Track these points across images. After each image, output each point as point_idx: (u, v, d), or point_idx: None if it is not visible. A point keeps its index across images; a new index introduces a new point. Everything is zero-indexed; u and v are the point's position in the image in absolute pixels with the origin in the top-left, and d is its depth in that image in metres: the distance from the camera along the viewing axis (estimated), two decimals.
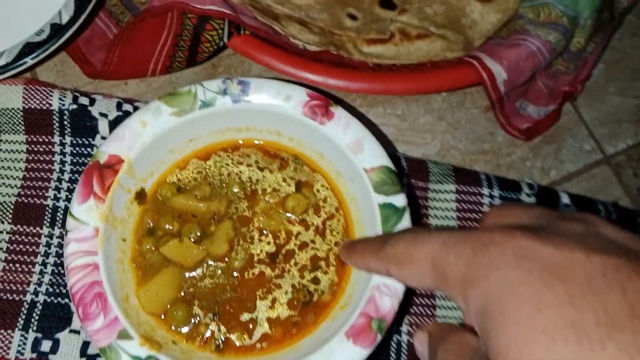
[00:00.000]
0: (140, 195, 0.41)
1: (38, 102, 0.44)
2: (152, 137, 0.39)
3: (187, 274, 0.40)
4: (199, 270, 0.40)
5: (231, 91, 0.40)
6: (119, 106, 0.45)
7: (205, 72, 0.50)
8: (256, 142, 0.43)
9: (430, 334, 0.31)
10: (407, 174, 0.46)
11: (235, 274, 0.40)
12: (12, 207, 0.43)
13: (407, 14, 0.49)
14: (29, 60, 0.41)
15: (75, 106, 0.44)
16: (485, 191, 0.46)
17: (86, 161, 0.45)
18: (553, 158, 0.51)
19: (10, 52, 0.40)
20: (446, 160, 0.49)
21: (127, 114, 0.45)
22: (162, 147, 0.41)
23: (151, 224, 0.41)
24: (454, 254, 0.27)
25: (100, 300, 0.36)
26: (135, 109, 0.45)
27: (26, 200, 0.44)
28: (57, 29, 0.41)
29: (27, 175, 0.44)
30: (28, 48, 0.41)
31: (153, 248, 0.40)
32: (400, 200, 0.39)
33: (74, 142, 0.45)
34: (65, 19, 0.41)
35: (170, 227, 0.40)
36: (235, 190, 0.42)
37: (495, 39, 0.48)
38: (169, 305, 0.39)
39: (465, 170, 0.47)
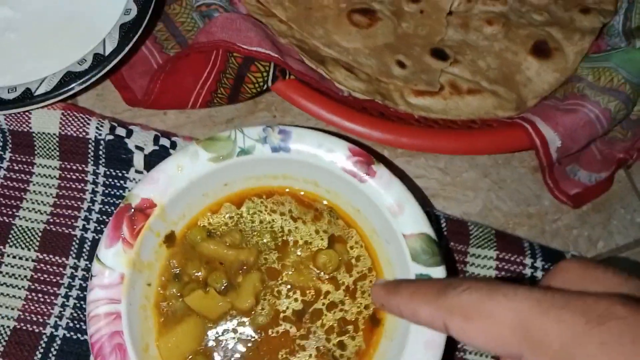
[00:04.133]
0: (170, 239, 0.39)
1: (75, 129, 0.44)
2: (187, 182, 0.38)
3: (209, 325, 0.38)
4: (222, 323, 0.38)
5: (271, 140, 0.39)
6: (156, 140, 0.44)
7: (245, 106, 0.49)
8: (291, 189, 0.42)
9: None
10: (447, 234, 0.44)
11: (259, 330, 0.38)
12: (40, 234, 0.43)
13: (459, 66, 0.46)
14: (69, 91, 0.40)
15: (112, 137, 0.44)
16: (528, 261, 0.44)
17: (118, 193, 0.44)
18: (601, 228, 0.48)
19: (50, 80, 0.40)
20: (488, 221, 0.47)
21: (163, 148, 0.44)
22: (196, 191, 0.39)
23: (178, 269, 0.39)
24: (555, 318, 0.23)
25: (119, 352, 0.34)
26: (173, 144, 0.44)
27: (54, 229, 0.43)
28: (99, 60, 0.40)
29: (58, 202, 0.44)
30: (69, 77, 0.40)
31: (178, 294, 0.39)
32: (439, 272, 0.37)
33: (108, 173, 0.44)
34: (108, 49, 0.41)
35: (197, 274, 0.39)
36: (266, 239, 0.41)
37: (550, 99, 0.46)
38: (189, 357, 0.37)
39: (508, 236, 0.45)
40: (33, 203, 0.43)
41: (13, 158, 0.44)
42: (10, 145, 0.44)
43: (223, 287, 0.39)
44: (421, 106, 0.45)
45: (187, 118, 0.49)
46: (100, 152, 0.44)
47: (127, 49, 0.41)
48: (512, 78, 0.46)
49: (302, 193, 0.42)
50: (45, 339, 0.41)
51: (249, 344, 0.38)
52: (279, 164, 0.40)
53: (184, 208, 0.40)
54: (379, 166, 0.39)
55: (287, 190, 0.42)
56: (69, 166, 0.44)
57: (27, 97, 0.39)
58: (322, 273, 0.40)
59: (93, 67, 0.40)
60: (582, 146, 0.44)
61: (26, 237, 0.43)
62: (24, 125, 0.44)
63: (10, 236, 0.43)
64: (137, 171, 0.44)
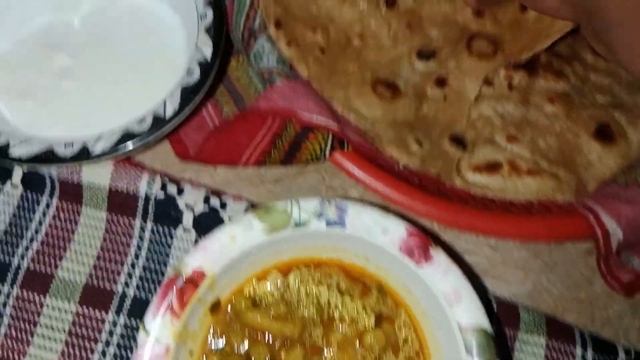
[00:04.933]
0: (215, 306, 0.38)
1: (125, 183, 0.43)
2: (239, 252, 0.37)
3: None
4: None
5: (327, 215, 0.38)
6: (206, 200, 0.43)
7: (294, 167, 0.48)
8: (340, 262, 0.41)
9: None
10: (497, 318, 0.43)
11: None
12: (81, 287, 0.42)
13: (518, 144, 0.45)
14: (126, 151, 0.39)
15: (162, 195, 0.43)
16: (579, 351, 0.42)
17: (163, 250, 0.43)
18: None
19: (108, 139, 0.39)
20: (537, 304, 0.45)
21: (213, 211, 0.43)
22: (247, 261, 0.39)
23: (221, 338, 0.38)
24: None
25: None
26: (223, 204, 0.44)
27: (96, 283, 0.42)
28: (159, 121, 0.40)
29: (101, 255, 0.43)
30: (127, 137, 0.39)
31: None
32: None
33: (155, 228, 0.43)
34: (169, 112, 0.40)
35: (239, 346, 0.38)
36: (312, 312, 0.40)
37: (611, 185, 0.45)
38: None
39: (559, 323, 0.43)
40: (76, 254, 0.43)
41: (60, 205, 0.44)
42: (58, 192, 0.44)
43: None
44: (479, 184, 0.44)
45: (236, 175, 0.48)
46: (150, 209, 0.43)
47: (188, 110, 0.40)
48: (573, 160, 0.45)
49: (349, 264, 0.41)
50: None
51: None
52: (332, 238, 0.39)
53: (232, 276, 0.39)
54: (436, 250, 0.37)
55: (337, 262, 0.41)
56: (115, 218, 0.43)
57: (83, 155, 0.39)
58: (368, 353, 0.39)
59: (152, 129, 0.39)
60: None
61: (68, 289, 0.42)
62: (74, 176, 0.43)
63: (52, 287, 0.42)
64: (185, 229, 0.43)
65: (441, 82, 0.47)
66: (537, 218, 0.42)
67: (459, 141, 0.45)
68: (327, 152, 0.42)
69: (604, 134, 0.45)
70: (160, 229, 0.43)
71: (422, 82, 0.47)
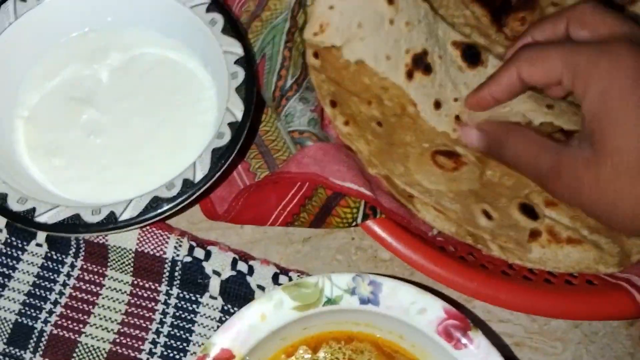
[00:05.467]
0: None
1: (152, 246, 0.42)
2: (269, 331, 0.36)
3: None
4: None
5: (360, 291, 0.36)
6: (233, 264, 0.42)
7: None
8: (373, 337, 0.39)
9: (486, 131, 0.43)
10: None
11: None
12: (105, 354, 0.41)
13: (557, 210, 0.43)
14: (155, 217, 0.38)
15: (189, 259, 0.42)
16: None
17: (189, 317, 0.42)
18: None
19: (136, 205, 0.38)
20: None
21: (240, 274, 0.42)
22: (276, 338, 0.37)
23: None
24: (586, 57, 0.37)
25: None
26: (250, 269, 0.42)
27: (120, 350, 0.41)
28: (189, 186, 0.39)
29: (126, 320, 0.42)
30: (156, 202, 0.38)
31: None
32: None
33: (181, 295, 0.42)
34: (198, 175, 0.39)
35: None
36: None
37: None
38: None
39: None
40: (101, 319, 0.42)
41: (85, 267, 0.43)
42: (83, 254, 0.43)
43: None
44: (517, 254, 0.42)
45: (263, 233, 0.47)
46: (176, 273, 0.42)
47: (217, 174, 0.39)
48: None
49: (382, 340, 0.39)
50: None
51: None
52: (365, 315, 0.37)
53: (261, 353, 0.37)
54: (476, 333, 0.35)
55: (369, 337, 0.39)
56: (141, 283, 0.42)
57: (110, 222, 0.38)
58: None
59: (181, 194, 0.38)
60: None
61: (92, 356, 0.41)
62: (100, 237, 0.42)
63: (75, 354, 0.41)
64: (211, 297, 0.42)
65: None
66: (579, 295, 0.40)
67: (530, 211, 0.43)
68: (359, 219, 0.41)
69: None
70: (187, 296, 0.42)
71: None
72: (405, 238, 0.41)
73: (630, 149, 0.35)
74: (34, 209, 0.38)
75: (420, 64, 0.45)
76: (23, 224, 0.38)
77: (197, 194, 0.39)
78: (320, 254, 0.47)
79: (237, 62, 0.42)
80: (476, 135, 0.44)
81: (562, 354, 0.44)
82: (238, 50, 0.42)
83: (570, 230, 0.43)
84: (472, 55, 0.46)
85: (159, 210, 0.38)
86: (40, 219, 0.38)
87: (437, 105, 0.45)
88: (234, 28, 0.43)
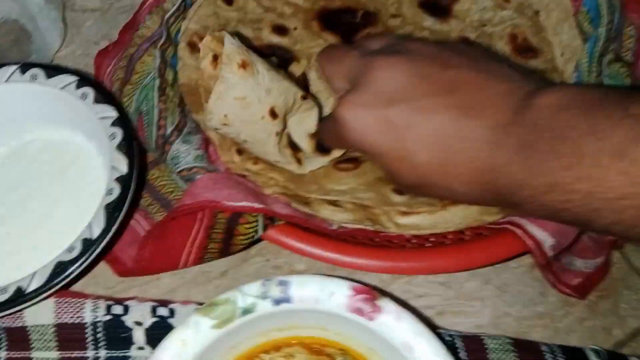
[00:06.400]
0: None
1: (70, 315, 0.43)
2: (192, 355, 0.37)
3: None
4: None
5: (272, 294, 0.38)
6: (153, 311, 0.43)
7: (238, 256, 0.49)
8: (300, 338, 0.41)
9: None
10: (464, 354, 0.43)
11: None
12: None
13: None
14: (62, 281, 0.39)
15: (108, 317, 0.43)
16: None
17: None
18: (612, 315, 0.47)
19: (41, 274, 0.39)
20: (501, 329, 0.46)
21: (162, 319, 0.43)
22: None
23: None
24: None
25: None
26: (171, 311, 0.43)
27: None
28: (88, 244, 0.40)
29: None
30: (60, 267, 0.39)
31: None
32: None
33: (109, 355, 0.42)
34: (95, 232, 0.41)
35: None
36: None
37: None
38: None
39: (525, 343, 0.44)
40: None
41: (9, 356, 0.43)
42: (6, 343, 0.43)
43: None
44: (411, 225, 0.45)
45: (181, 279, 0.48)
46: (99, 335, 0.42)
47: (114, 227, 0.41)
48: None
49: (308, 338, 0.41)
50: None
51: None
52: (283, 316, 0.39)
53: None
54: (384, 301, 0.38)
55: (296, 340, 0.41)
56: (68, 355, 0.42)
57: (19, 297, 0.38)
58: None
59: (83, 253, 0.40)
60: (573, 239, 0.44)
61: None
62: (18, 321, 0.43)
63: None
64: (139, 348, 0.42)
65: None
66: (472, 244, 0.43)
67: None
68: (260, 230, 0.43)
69: None
70: (115, 354, 0.42)
71: None
72: (307, 237, 0.43)
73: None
74: None
75: (295, 146, 0.48)
76: None
77: (98, 249, 0.41)
78: (240, 282, 0.48)
79: (113, 124, 0.45)
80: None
81: (483, 310, 0.47)
82: (112, 113, 0.45)
83: None
84: None
85: (65, 273, 0.39)
86: None
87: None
88: (104, 95, 0.46)
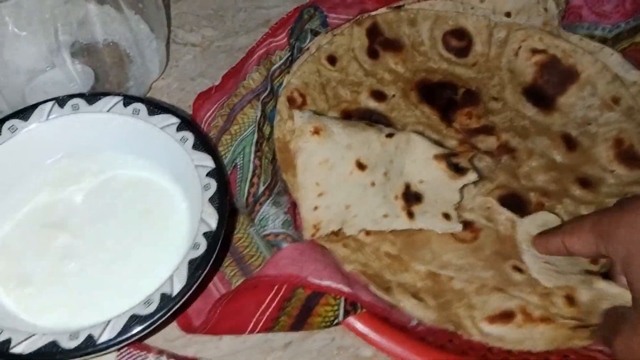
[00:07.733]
0: None
1: None
2: None
3: None
4: None
5: None
6: None
7: None
8: None
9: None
10: None
11: None
12: None
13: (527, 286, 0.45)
14: (134, 336, 0.38)
15: None
16: None
17: None
18: None
19: (114, 325, 0.38)
20: None
21: None
22: None
23: None
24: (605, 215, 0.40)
25: None
26: None
27: None
28: (166, 300, 0.39)
29: None
30: (134, 321, 0.38)
31: None
32: None
33: None
34: (176, 288, 0.39)
35: None
36: None
37: None
38: None
39: None
40: None
41: None
42: None
43: None
44: (496, 335, 0.43)
45: (242, 343, 0.46)
46: None
47: (195, 285, 0.39)
48: None
49: None
50: None
51: None
52: None
53: None
54: None
55: None
56: None
57: (89, 345, 0.37)
58: None
59: (160, 309, 0.38)
60: None
61: None
62: None
63: None
64: None
65: None
66: None
67: None
68: (341, 316, 0.42)
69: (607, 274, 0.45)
70: None
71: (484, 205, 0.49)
72: (387, 331, 0.41)
73: None
74: (9, 340, 0.37)
75: (412, 198, 0.47)
76: None
77: (176, 307, 0.39)
78: (302, 358, 0.46)
79: (208, 174, 0.44)
80: None
81: None
82: (209, 163, 0.44)
83: (541, 309, 0.44)
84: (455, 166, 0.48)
85: (138, 329, 0.38)
86: (16, 349, 0.37)
87: (447, 217, 0.47)
88: (203, 143, 0.45)
